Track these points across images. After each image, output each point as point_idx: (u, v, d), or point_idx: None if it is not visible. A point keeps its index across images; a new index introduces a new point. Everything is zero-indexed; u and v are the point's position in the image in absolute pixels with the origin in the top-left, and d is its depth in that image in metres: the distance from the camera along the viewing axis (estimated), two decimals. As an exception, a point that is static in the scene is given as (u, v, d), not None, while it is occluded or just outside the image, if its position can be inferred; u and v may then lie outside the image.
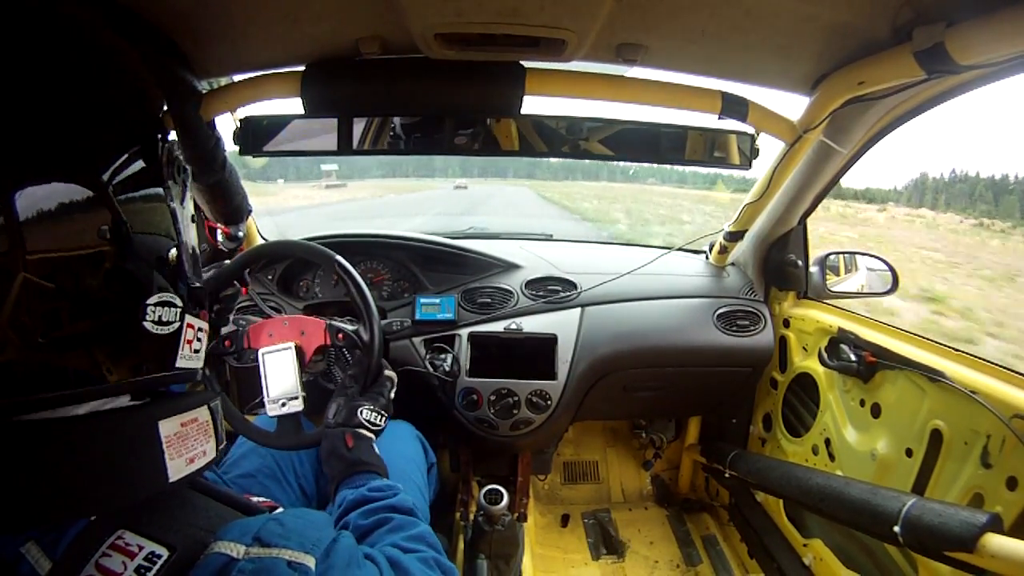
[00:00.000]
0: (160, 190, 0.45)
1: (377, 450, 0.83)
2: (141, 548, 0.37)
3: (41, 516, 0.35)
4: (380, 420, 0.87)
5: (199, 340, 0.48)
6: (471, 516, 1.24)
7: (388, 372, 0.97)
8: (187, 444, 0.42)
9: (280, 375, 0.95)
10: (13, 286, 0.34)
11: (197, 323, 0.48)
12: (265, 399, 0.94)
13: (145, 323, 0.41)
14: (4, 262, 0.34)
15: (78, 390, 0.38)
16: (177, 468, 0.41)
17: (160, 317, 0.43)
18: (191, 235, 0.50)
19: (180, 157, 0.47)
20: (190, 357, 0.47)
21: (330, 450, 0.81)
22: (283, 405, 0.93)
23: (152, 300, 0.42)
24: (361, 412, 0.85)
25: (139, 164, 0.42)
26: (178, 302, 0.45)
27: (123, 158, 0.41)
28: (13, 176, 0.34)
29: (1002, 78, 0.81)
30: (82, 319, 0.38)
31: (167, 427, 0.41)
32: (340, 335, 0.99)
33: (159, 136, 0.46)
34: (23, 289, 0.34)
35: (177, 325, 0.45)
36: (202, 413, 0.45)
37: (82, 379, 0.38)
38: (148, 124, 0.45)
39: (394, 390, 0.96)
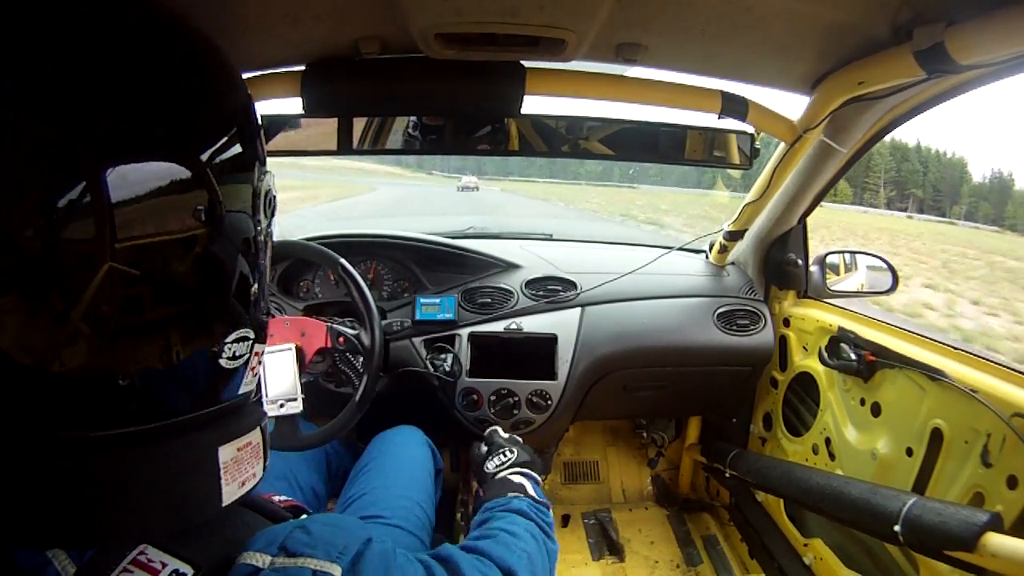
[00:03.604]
0: (250, 176, 0.42)
1: (515, 477, 0.85)
2: (164, 565, 0.36)
3: (92, 538, 0.35)
4: (509, 453, 0.91)
5: (259, 363, 0.48)
6: (471, 507, 1.24)
7: (489, 429, 1.00)
8: (241, 468, 0.42)
9: (279, 376, 0.95)
10: (96, 277, 0.32)
11: (260, 348, 0.47)
12: (263, 399, 0.93)
13: (221, 360, 0.41)
14: (90, 249, 0.31)
15: (143, 421, 0.36)
16: (230, 493, 0.41)
17: (235, 352, 0.42)
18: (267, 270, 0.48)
19: (273, 191, 0.45)
20: (250, 382, 0.46)
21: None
22: (281, 406, 0.93)
23: (231, 338, 0.41)
24: (487, 467, 0.90)
25: (236, 148, 0.40)
26: (251, 335, 0.44)
27: (221, 140, 0.39)
28: (104, 156, 0.32)
29: (1002, 78, 0.81)
30: (164, 305, 0.36)
31: (225, 453, 0.40)
32: (341, 339, 0.98)
33: (259, 139, 0.44)
34: (107, 278, 0.32)
35: (246, 357, 0.44)
36: (255, 436, 0.44)
37: (144, 398, 0.36)
38: (240, 105, 0.43)
39: (501, 433, 0.99)
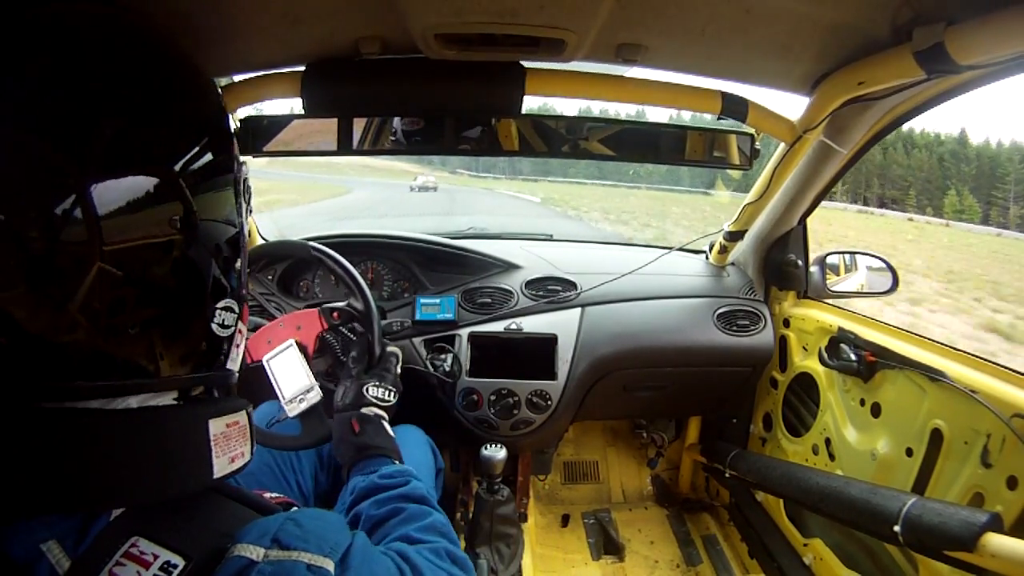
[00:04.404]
0: (226, 178, 0.46)
1: (389, 429, 0.83)
2: (156, 557, 0.37)
3: (87, 500, 0.37)
4: (389, 395, 0.87)
5: (240, 345, 0.50)
6: (474, 492, 1.24)
7: (391, 348, 0.97)
8: (230, 444, 0.44)
9: (289, 374, 0.95)
10: (89, 274, 0.35)
11: (243, 328, 0.50)
12: (282, 403, 0.93)
13: (212, 324, 0.44)
14: (82, 251, 0.35)
15: (131, 381, 0.40)
16: (221, 466, 0.43)
17: (223, 321, 0.46)
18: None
19: (247, 179, 0.50)
20: (235, 359, 0.49)
21: (339, 437, 0.81)
22: (302, 401, 0.93)
23: (221, 304, 0.45)
24: (367, 390, 0.85)
25: (208, 156, 0.43)
26: (236, 308, 0.47)
27: (194, 150, 0.42)
28: (90, 170, 0.35)
29: (1002, 78, 0.81)
30: (147, 306, 0.40)
31: (215, 426, 0.43)
32: (335, 314, 0.99)
33: (231, 143, 0.47)
34: (98, 276, 0.36)
35: (233, 330, 0.47)
36: (243, 417, 0.47)
37: (133, 371, 0.40)
38: (212, 114, 0.47)
39: (399, 365, 0.96)
